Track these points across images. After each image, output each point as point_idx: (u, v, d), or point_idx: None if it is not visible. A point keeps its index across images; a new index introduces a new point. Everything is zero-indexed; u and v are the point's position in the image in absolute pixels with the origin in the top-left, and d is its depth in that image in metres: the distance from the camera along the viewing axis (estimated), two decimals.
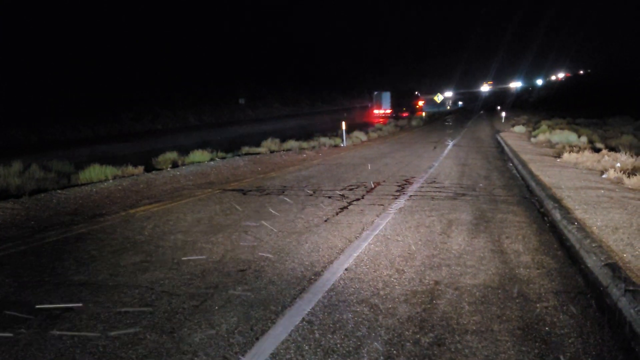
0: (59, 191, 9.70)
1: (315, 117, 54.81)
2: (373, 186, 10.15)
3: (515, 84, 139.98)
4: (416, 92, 55.99)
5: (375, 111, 51.30)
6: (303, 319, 3.84)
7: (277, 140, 21.03)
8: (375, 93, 53.00)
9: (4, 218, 7.57)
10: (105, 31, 49.60)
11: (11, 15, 39.94)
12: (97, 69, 45.24)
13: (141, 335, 3.64)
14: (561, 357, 3.24)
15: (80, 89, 41.47)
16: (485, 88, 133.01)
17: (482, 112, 58.76)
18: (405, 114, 49.99)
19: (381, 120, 44.67)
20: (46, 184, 10.17)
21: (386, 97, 51.87)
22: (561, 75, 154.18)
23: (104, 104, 40.67)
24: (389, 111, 50.68)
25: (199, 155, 15.59)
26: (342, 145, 22.08)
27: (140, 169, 12.62)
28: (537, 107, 56.60)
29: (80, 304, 4.23)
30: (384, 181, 10.84)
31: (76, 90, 40.92)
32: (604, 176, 10.14)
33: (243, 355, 3.32)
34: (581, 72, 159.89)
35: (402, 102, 51.49)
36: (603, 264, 4.52)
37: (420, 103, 56.19)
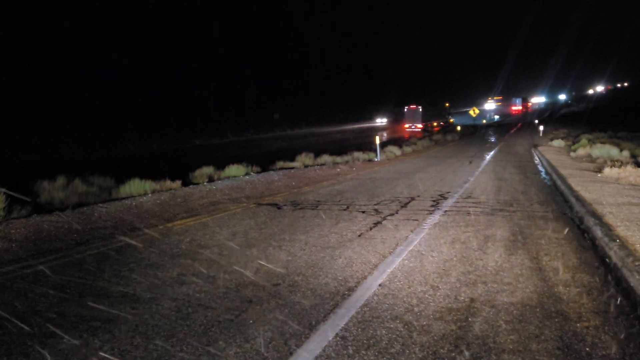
0: (100, 205, 10.00)
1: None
2: (407, 201, 10.09)
3: (539, 99, 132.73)
4: (527, 98, 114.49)
5: (513, 108, 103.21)
6: (337, 334, 3.84)
7: (311, 155, 21.17)
8: (513, 99, 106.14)
9: (49, 231, 7.84)
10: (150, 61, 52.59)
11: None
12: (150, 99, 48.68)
13: (178, 347, 3.70)
14: None
15: (140, 113, 45.50)
16: (490, 105, 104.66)
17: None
18: (523, 110, 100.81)
19: (517, 112, 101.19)
20: (88, 198, 10.51)
21: (519, 100, 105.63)
22: (600, 88, 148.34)
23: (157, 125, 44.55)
24: (520, 108, 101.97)
25: (234, 169, 15.84)
26: (376, 159, 22.05)
27: (178, 183, 12.90)
28: (575, 121, 55.29)
29: (120, 316, 4.34)
30: (418, 196, 10.76)
31: (135, 114, 44.98)
32: None
33: None
34: (618, 85, 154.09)
35: (523, 104, 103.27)
36: None
37: (529, 105, 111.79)
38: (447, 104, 70.76)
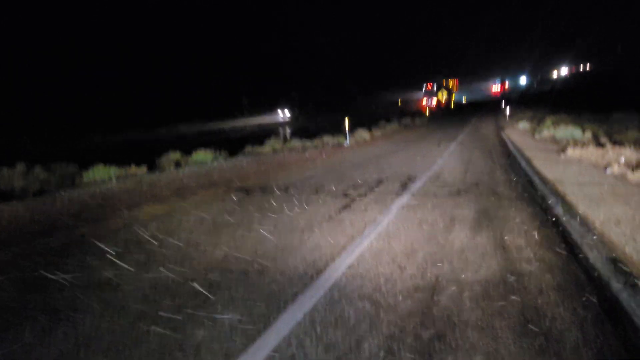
0: (63, 192, 9.77)
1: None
2: (376, 184, 10.16)
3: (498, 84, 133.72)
4: (505, 79, 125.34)
5: (493, 88, 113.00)
6: (305, 315, 3.87)
7: (280, 140, 21.09)
8: (492, 79, 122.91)
9: (8, 220, 7.63)
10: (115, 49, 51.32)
11: None
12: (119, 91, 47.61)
13: (144, 333, 3.67)
14: (562, 351, 3.25)
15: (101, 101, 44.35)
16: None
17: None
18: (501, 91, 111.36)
19: (496, 93, 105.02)
20: (50, 186, 10.25)
21: (497, 81, 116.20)
22: (564, 71, 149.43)
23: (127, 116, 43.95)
24: (499, 90, 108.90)
25: (202, 155, 15.67)
26: (345, 144, 22.10)
27: (144, 169, 12.69)
28: (541, 104, 56.51)
29: (86, 305, 4.27)
30: (387, 178, 10.85)
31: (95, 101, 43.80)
32: (607, 171, 10.10)
33: (245, 350, 3.35)
34: (581, 68, 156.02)
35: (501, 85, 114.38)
36: (604, 258, 4.52)
37: (505, 87, 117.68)
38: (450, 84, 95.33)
